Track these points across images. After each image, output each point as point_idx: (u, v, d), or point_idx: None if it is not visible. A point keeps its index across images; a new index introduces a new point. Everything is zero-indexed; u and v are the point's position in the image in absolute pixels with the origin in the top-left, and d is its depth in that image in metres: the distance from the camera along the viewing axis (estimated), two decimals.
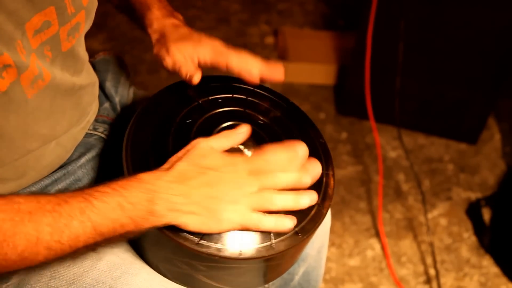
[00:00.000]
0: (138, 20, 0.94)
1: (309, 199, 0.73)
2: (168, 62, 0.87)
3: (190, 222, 0.68)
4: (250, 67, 0.86)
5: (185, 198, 0.68)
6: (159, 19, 0.92)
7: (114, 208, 0.65)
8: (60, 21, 0.75)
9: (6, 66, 0.66)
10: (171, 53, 0.87)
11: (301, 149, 0.73)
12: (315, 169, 0.75)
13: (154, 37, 0.91)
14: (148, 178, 0.68)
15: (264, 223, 0.71)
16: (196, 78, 0.86)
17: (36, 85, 0.73)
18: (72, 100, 0.85)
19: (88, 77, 0.91)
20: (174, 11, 0.95)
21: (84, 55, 0.90)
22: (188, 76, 0.86)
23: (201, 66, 0.88)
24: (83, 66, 0.90)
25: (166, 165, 0.70)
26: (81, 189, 0.67)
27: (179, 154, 0.71)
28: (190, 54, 0.86)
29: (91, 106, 0.94)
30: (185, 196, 0.68)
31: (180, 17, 0.94)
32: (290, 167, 0.73)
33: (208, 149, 0.72)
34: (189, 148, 0.72)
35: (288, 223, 0.71)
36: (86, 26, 0.84)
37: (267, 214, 0.71)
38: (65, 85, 0.81)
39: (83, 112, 0.91)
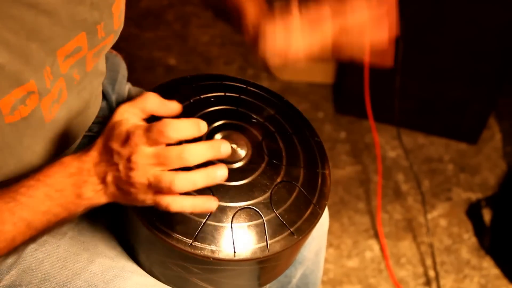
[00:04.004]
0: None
1: (223, 170, 0.64)
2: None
3: (117, 200, 0.66)
4: None
5: (101, 181, 0.65)
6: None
7: (42, 200, 0.64)
8: (89, 46, 0.76)
9: (30, 93, 0.66)
10: None
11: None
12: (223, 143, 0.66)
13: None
14: (70, 161, 0.66)
15: (181, 205, 0.64)
16: None
17: (53, 109, 0.73)
18: (81, 118, 0.86)
19: (98, 90, 0.92)
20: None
21: (102, 72, 0.91)
22: None
23: None
24: (99, 82, 0.90)
25: (91, 145, 0.68)
26: (7, 187, 0.66)
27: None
28: None
29: (94, 115, 0.94)
30: (100, 178, 0.65)
31: None
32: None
33: (120, 122, 0.64)
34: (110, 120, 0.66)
35: (211, 202, 0.65)
36: (110, 46, 0.84)
37: (183, 196, 0.64)
38: (78, 105, 0.82)
39: (86, 124, 0.91)
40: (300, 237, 0.74)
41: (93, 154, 0.65)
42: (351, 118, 2.12)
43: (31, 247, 0.80)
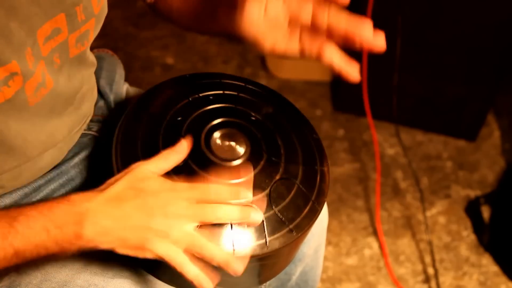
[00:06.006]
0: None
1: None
2: None
3: (118, 247, 0.65)
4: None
5: (116, 223, 0.64)
6: None
7: (39, 232, 0.63)
8: (69, 28, 0.75)
9: (13, 74, 0.66)
10: None
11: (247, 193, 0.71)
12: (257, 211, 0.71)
13: None
14: (78, 199, 0.65)
15: (187, 270, 0.66)
16: None
17: (39, 93, 0.72)
18: (72, 108, 0.85)
19: (90, 83, 0.91)
20: None
21: (92, 62, 0.90)
22: None
23: None
24: (90, 73, 0.89)
25: (102, 186, 0.67)
26: (7, 210, 0.65)
27: (117, 176, 0.68)
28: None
29: (90, 110, 0.93)
30: (117, 220, 0.65)
31: None
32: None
33: (147, 172, 0.68)
34: (127, 170, 0.68)
35: (208, 284, 0.67)
36: (95, 33, 0.83)
37: (193, 262, 0.66)
38: (67, 93, 0.81)
39: (83, 117, 0.90)
40: (299, 234, 0.74)
41: (108, 195, 0.65)
42: (349, 115, 2.11)
43: None
